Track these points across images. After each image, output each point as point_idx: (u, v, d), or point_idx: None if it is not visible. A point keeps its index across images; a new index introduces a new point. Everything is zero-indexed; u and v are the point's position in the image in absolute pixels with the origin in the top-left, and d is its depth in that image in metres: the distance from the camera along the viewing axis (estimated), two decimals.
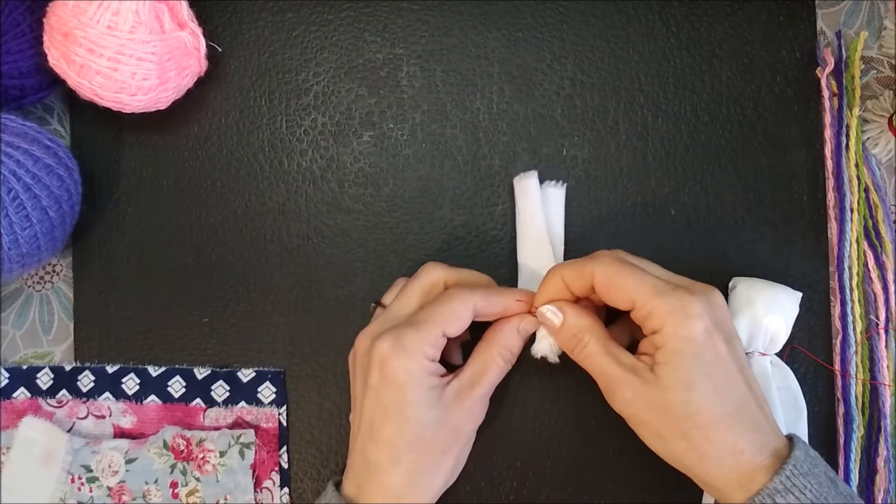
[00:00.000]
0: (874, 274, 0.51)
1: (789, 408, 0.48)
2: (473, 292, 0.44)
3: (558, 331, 0.45)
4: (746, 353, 0.49)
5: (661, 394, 0.41)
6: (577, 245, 0.51)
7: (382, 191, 0.52)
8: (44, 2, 0.47)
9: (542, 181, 0.51)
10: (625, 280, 0.42)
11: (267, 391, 0.51)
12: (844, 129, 0.51)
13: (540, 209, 0.50)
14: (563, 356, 0.46)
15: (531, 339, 0.47)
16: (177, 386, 0.51)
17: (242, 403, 0.51)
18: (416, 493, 0.43)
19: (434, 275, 0.45)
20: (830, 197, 0.51)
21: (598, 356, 0.43)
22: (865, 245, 0.51)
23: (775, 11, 0.52)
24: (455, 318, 0.43)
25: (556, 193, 0.51)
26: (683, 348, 0.41)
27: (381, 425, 0.42)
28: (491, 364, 0.45)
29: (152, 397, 0.51)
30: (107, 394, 0.51)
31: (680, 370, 0.41)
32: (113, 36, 0.45)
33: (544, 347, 0.47)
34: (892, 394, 0.50)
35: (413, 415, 0.42)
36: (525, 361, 0.48)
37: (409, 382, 0.42)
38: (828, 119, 0.52)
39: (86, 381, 0.51)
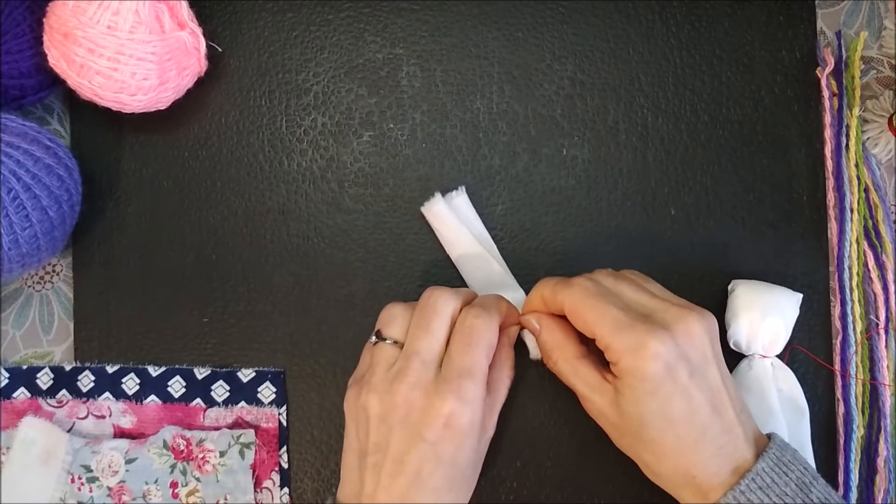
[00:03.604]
0: (874, 274, 0.51)
1: (791, 410, 0.48)
2: (492, 318, 0.44)
3: (537, 341, 0.47)
4: (746, 356, 0.49)
5: (618, 419, 0.43)
6: (577, 246, 0.51)
7: (382, 191, 0.52)
8: (44, 2, 0.47)
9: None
10: (587, 314, 0.43)
11: (267, 391, 0.51)
12: (844, 129, 0.51)
13: (461, 226, 0.50)
14: None
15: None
16: (177, 386, 0.51)
17: (242, 403, 0.51)
18: None
19: (451, 305, 0.44)
20: (830, 197, 0.51)
21: (567, 374, 0.45)
22: (865, 245, 0.51)
23: (775, 11, 0.52)
24: (492, 350, 0.44)
25: (462, 199, 0.51)
26: (638, 386, 0.41)
27: (432, 473, 0.42)
28: (502, 387, 0.46)
29: (152, 397, 0.51)
30: (107, 394, 0.51)
31: (634, 404, 0.42)
32: (113, 36, 0.45)
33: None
34: (892, 394, 0.50)
35: (463, 460, 0.43)
36: (524, 362, 0.48)
37: (471, 433, 0.42)
38: (828, 119, 0.52)
39: (86, 381, 0.51)
